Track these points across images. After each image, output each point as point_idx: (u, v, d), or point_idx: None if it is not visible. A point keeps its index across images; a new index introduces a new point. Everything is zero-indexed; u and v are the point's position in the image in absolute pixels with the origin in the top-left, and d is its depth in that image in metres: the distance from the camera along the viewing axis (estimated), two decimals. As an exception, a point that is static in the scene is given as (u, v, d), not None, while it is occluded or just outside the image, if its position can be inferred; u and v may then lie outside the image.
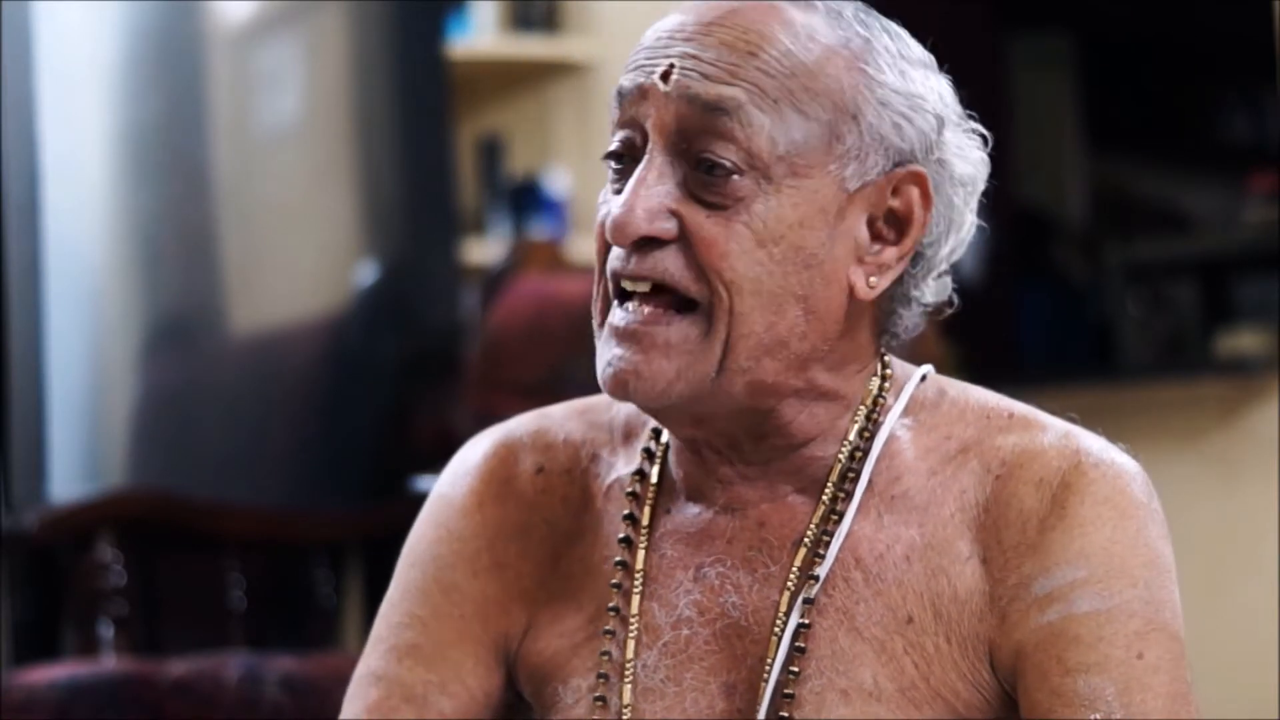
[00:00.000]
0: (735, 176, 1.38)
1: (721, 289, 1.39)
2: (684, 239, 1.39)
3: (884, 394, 1.48)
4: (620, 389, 1.41)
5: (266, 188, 3.47)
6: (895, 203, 1.43)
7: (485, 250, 4.44)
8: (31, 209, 3.21)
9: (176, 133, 3.38)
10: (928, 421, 1.47)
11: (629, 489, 1.51)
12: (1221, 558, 3.89)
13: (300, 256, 3.52)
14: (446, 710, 1.51)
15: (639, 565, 1.48)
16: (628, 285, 1.41)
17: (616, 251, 1.42)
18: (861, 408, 1.47)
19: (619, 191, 1.42)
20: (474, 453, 1.57)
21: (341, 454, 3.50)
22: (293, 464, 3.48)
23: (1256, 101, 4.51)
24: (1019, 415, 1.47)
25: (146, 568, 3.19)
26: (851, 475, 1.45)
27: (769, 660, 1.43)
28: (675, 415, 1.44)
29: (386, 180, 3.64)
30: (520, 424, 1.57)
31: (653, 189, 1.39)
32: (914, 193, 1.43)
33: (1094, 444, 1.45)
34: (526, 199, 4.72)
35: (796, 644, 1.42)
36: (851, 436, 1.46)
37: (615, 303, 1.43)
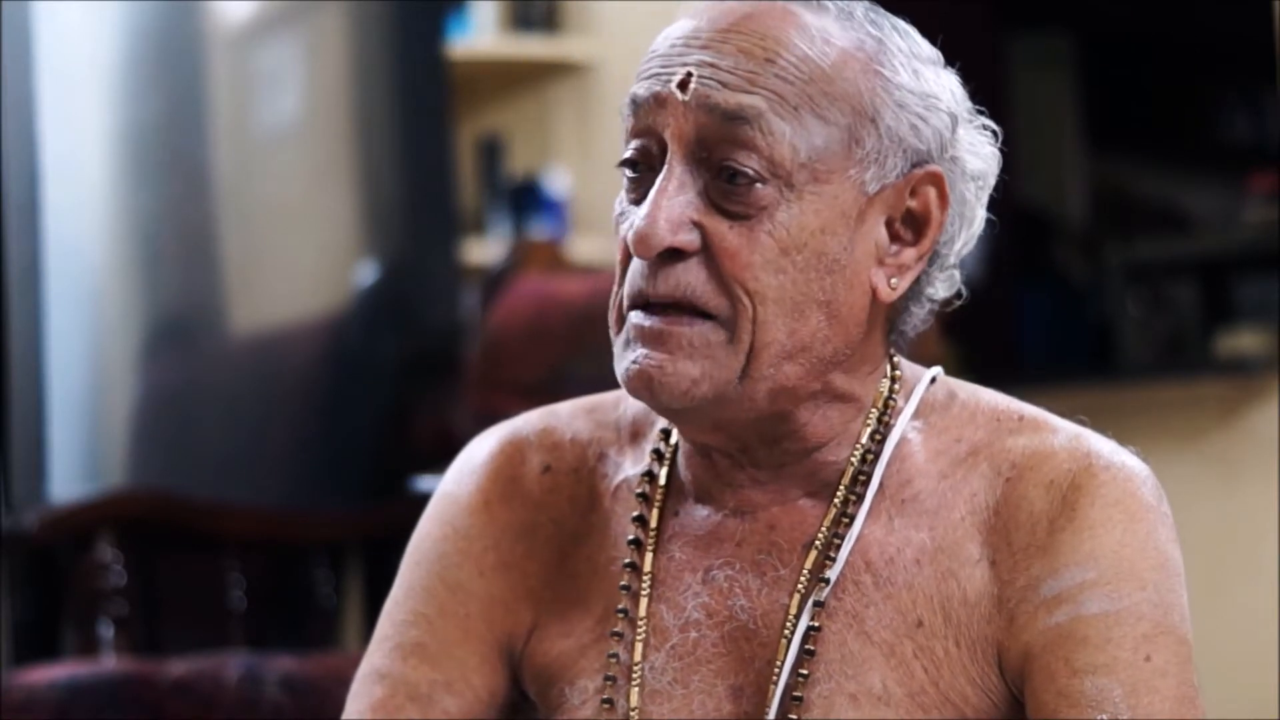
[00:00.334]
0: (757, 185, 1.38)
1: (745, 299, 1.38)
2: (706, 250, 1.39)
3: (894, 396, 1.47)
4: (645, 388, 1.40)
5: (266, 188, 3.46)
6: (913, 203, 1.43)
7: (485, 250, 4.44)
8: (31, 209, 3.21)
9: (176, 133, 3.38)
10: (938, 424, 1.47)
11: (638, 490, 1.50)
12: (1221, 558, 3.89)
13: (300, 256, 3.52)
14: (451, 709, 1.50)
15: (647, 567, 1.48)
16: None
17: (637, 268, 1.40)
18: (873, 410, 1.47)
19: (636, 201, 1.42)
20: (480, 450, 1.57)
21: (341, 454, 3.50)
22: (293, 464, 3.48)
23: (1256, 101, 4.52)
24: (1029, 418, 1.47)
25: (146, 568, 3.19)
26: (863, 478, 1.45)
27: (778, 663, 1.42)
28: (696, 419, 1.43)
29: (386, 180, 3.64)
30: (527, 422, 1.57)
31: (674, 199, 1.39)
32: (931, 192, 1.43)
33: (1104, 446, 1.45)
34: (526, 199, 4.72)
35: (806, 647, 1.42)
36: (864, 439, 1.46)
37: (630, 312, 1.42)
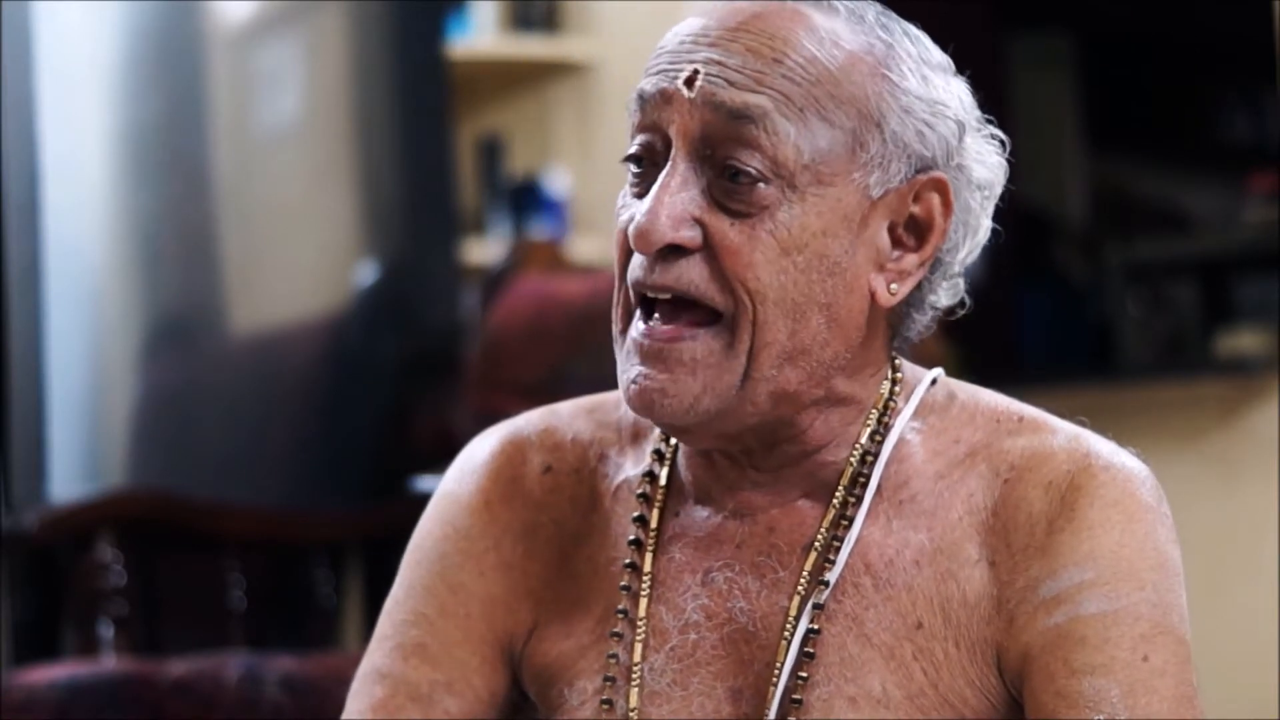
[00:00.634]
0: (760, 185, 1.38)
1: (746, 298, 1.38)
2: (708, 247, 1.39)
3: (895, 397, 1.47)
4: (647, 408, 1.40)
5: (266, 188, 3.46)
6: (916, 209, 1.43)
7: (485, 250, 4.44)
8: (31, 209, 3.21)
9: (176, 133, 3.38)
10: (937, 425, 1.47)
11: (638, 490, 1.50)
12: (1221, 558, 3.89)
13: (300, 256, 3.52)
14: (452, 709, 1.50)
15: (647, 568, 1.48)
16: (650, 294, 1.40)
17: (638, 260, 1.41)
18: (873, 411, 1.46)
19: (639, 195, 1.42)
20: (481, 450, 1.56)
21: (341, 454, 3.50)
22: (293, 464, 3.48)
23: (1256, 101, 4.51)
24: (1028, 419, 1.47)
25: (146, 568, 3.19)
26: (861, 479, 1.45)
27: (777, 665, 1.42)
28: (698, 432, 1.43)
29: (386, 180, 3.64)
30: (528, 421, 1.57)
31: (676, 195, 1.38)
32: (935, 199, 1.43)
33: (1103, 447, 1.45)
34: (526, 199, 4.72)
35: (805, 649, 1.42)
36: (863, 440, 1.46)
37: (638, 313, 1.42)
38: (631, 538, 1.49)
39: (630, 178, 1.44)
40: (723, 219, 1.39)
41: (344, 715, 1.52)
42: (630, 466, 1.52)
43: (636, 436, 1.54)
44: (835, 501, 1.45)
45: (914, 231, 1.44)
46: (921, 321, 1.49)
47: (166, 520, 3.21)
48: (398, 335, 3.57)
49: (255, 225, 3.45)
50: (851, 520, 1.44)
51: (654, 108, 1.41)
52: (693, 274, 1.39)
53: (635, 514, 1.49)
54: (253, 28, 3.52)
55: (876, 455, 1.45)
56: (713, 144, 1.39)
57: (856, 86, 1.40)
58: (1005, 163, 1.48)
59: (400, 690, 1.51)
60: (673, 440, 1.51)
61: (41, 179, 3.22)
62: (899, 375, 1.48)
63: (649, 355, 1.40)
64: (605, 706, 1.46)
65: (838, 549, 1.44)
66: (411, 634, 1.52)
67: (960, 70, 1.47)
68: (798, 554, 1.45)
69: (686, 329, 1.39)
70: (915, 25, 1.47)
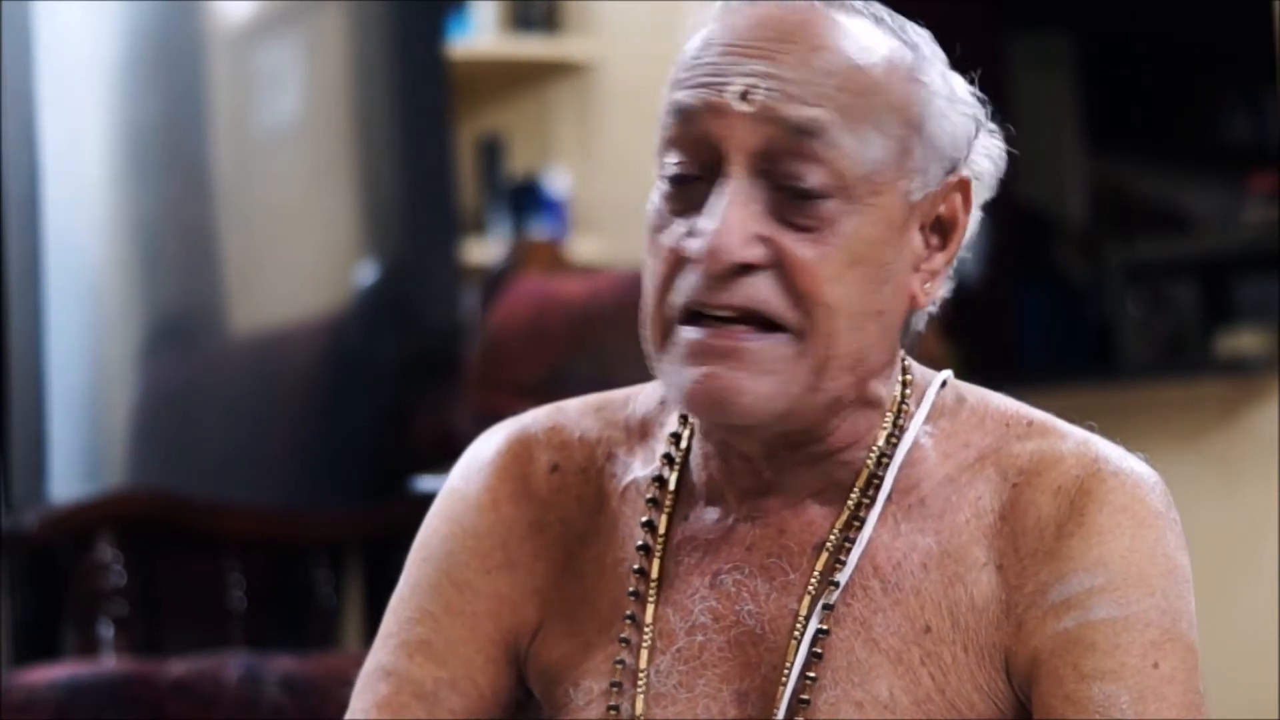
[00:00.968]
0: (824, 199, 1.36)
1: (819, 312, 1.37)
2: (776, 264, 1.37)
3: (906, 399, 1.47)
4: (715, 407, 1.38)
5: (266, 188, 3.46)
6: (941, 209, 1.43)
7: (485, 250, 4.44)
8: (31, 208, 3.21)
9: (176, 133, 3.38)
10: (947, 429, 1.47)
11: (648, 495, 1.49)
12: (1221, 558, 3.89)
13: (300, 256, 3.52)
14: (456, 708, 1.50)
15: (655, 573, 1.47)
16: (710, 313, 1.38)
17: (695, 279, 1.38)
18: (889, 414, 1.46)
19: (678, 211, 1.40)
20: (488, 447, 1.55)
21: (341, 454, 3.50)
22: (293, 464, 3.48)
23: (1256, 101, 4.51)
24: (1038, 423, 1.46)
25: (146, 568, 3.19)
26: (876, 481, 1.45)
27: (786, 666, 1.42)
28: (759, 433, 1.42)
29: (386, 180, 3.64)
30: (535, 419, 1.55)
31: (741, 213, 1.36)
32: (957, 198, 1.43)
33: (1113, 452, 1.44)
34: (526, 199, 4.71)
35: (814, 649, 1.41)
36: (880, 443, 1.45)
37: (677, 327, 1.39)
38: (640, 543, 1.48)
39: (667, 191, 1.41)
40: (788, 235, 1.37)
41: (349, 712, 1.52)
42: (639, 467, 1.51)
43: (644, 435, 1.52)
44: (850, 503, 1.44)
45: (939, 231, 1.44)
46: (924, 319, 1.48)
47: (166, 520, 3.21)
48: (398, 335, 3.57)
49: (255, 225, 3.45)
50: (863, 522, 1.44)
51: (699, 121, 1.38)
52: (763, 291, 1.37)
53: (644, 518, 1.49)
54: (253, 28, 3.52)
55: (891, 457, 1.45)
56: (772, 159, 1.36)
57: (897, 95, 1.39)
58: (1004, 152, 1.48)
59: (405, 688, 1.50)
60: (683, 443, 1.50)
61: (41, 178, 3.22)
62: (909, 377, 1.48)
63: (717, 354, 1.37)
64: (612, 712, 1.45)
65: (849, 550, 1.43)
66: (416, 631, 1.51)
67: (961, 70, 1.47)
68: (808, 555, 1.44)
69: (750, 331, 1.38)
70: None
